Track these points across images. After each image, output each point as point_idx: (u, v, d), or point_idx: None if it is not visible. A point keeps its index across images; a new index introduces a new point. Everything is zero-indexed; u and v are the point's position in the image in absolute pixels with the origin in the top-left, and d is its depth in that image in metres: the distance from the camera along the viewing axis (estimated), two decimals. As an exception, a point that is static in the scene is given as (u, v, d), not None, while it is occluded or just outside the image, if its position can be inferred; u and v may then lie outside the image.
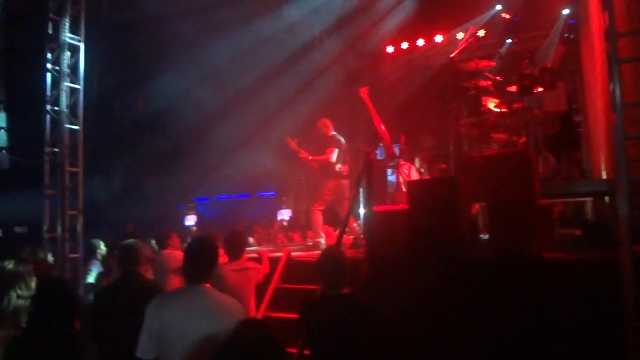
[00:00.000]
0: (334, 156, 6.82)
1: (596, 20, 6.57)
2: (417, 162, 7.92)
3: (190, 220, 17.34)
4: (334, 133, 7.01)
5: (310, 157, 6.91)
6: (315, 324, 3.11)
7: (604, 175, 6.27)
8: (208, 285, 2.89)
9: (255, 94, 10.07)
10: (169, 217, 15.56)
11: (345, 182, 6.92)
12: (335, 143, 6.89)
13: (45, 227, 6.42)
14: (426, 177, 7.56)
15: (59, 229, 6.30)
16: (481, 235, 6.06)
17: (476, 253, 5.09)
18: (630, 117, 4.63)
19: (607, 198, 5.72)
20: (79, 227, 6.45)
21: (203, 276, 2.88)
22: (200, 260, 2.90)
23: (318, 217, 6.84)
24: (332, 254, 3.39)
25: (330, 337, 3.05)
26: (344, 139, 7.01)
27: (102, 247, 5.92)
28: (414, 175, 7.42)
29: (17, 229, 13.11)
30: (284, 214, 15.71)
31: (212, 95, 10.70)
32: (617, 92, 3.90)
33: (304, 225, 11.09)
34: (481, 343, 4.32)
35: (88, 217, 7.00)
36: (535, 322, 4.15)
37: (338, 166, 6.85)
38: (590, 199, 6.76)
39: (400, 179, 7.08)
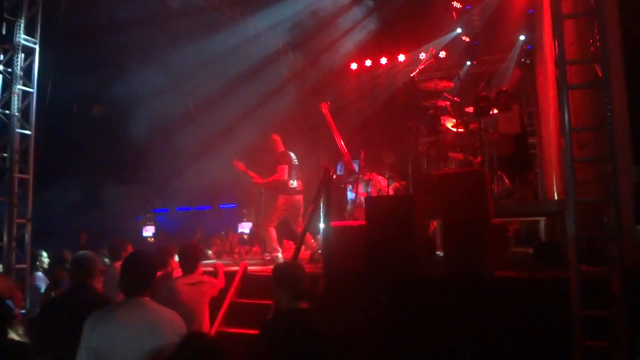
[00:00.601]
0: (284, 173, 6.82)
1: (549, 47, 6.83)
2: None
3: (148, 231, 16.95)
4: (283, 149, 7.03)
5: (262, 181, 6.94)
6: (279, 341, 3.04)
7: (556, 196, 6.49)
8: (147, 298, 2.87)
9: (218, 104, 9.98)
10: (126, 227, 15.14)
11: (299, 198, 6.93)
12: (285, 160, 6.90)
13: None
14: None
15: (5, 238, 6.01)
16: (438, 253, 6.14)
17: (431, 270, 5.16)
18: (579, 141, 4.83)
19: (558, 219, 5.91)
20: (27, 237, 6.16)
21: (141, 289, 2.86)
22: (138, 274, 2.89)
23: (272, 233, 6.82)
24: (292, 266, 3.38)
25: (293, 353, 2.99)
26: (295, 155, 7.05)
27: (44, 258, 5.69)
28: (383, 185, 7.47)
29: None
30: (245, 227, 15.54)
31: (173, 104, 10.55)
32: (566, 117, 4.05)
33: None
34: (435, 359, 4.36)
35: (39, 226, 6.72)
36: (487, 340, 4.22)
37: (292, 182, 6.87)
38: (543, 218, 6.98)
39: (358, 195, 7.14)
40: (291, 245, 7.04)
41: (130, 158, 13.73)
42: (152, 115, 10.52)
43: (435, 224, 7.69)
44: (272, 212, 6.89)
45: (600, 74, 4.07)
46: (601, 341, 3.74)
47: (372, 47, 12.07)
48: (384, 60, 12.27)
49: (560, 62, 4.10)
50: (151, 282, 2.95)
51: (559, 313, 3.92)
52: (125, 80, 9.27)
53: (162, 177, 14.61)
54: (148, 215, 17.42)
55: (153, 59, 8.83)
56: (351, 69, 12.57)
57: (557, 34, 4.14)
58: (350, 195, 7.29)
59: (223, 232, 13.84)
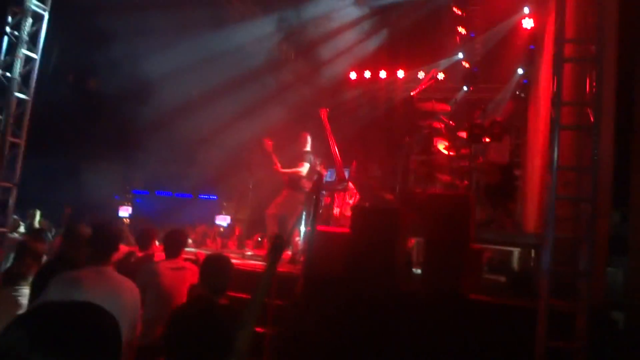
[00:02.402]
0: (304, 170, 7.02)
1: (545, 85, 7.09)
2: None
3: (125, 211, 16.75)
4: (308, 150, 7.20)
5: (281, 170, 7.09)
6: (183, 330, 2.71)
7: (533, 229, 6.72)
8: (110, 267, 3.13)
9: (214, 98, 10.04)
10: (103, 204, 15.00)
11: (300, 197, 7.04)
12: (308, 159, 7.11)
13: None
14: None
15: (-9, 200, 6.01)
16: (414, 269, 6.31)
17: (409, 286, 5.31)
18: (563, 179, 5.05)
19: (532, 251, 6.13)
20: (11, 201, 6.16)
21: (106, 258, 3.11)
22: (105, 243, 3.15)
23: (273, 224, 6.93)
24: (218, 258, 3.37)
25: (191, 345, 2.65)
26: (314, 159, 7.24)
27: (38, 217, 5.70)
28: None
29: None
30: (222, 220, 15.53)
31: (168, 89, 10.56)
32: (555, 156, 4.26)
33: (243, 235, 11.06)
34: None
35: (20, 192, 6.71)
36: (455, 359, 4.38)
37: (304, 182, 7.04)
38: (518, 249, 7.21)
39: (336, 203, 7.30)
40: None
41: (118, 136, 13.66)
42: (148, 97, 10.54)
43: (413, 241, 7.87)
44: (278, 204, 7.04)
45: (592, 118, 4.29)
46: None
47: (373, 59, 12.27)
48: (383, 74, 12.48)
49: (557, 103, 4.31)
50: (113, 253, 3.22)
51: (525, 341, 4.10)
52: (126, 59, 9.28)
53: (146, 159, 14.56)
54: (127, 195, 17.25)
55: (159, 42, 8.86)
56: (350, 79, 12.76)
57: (558, 75, 4.35)
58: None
59: (202, 223, 13.85)
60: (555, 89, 4.34)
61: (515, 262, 7.48)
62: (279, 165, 7.10)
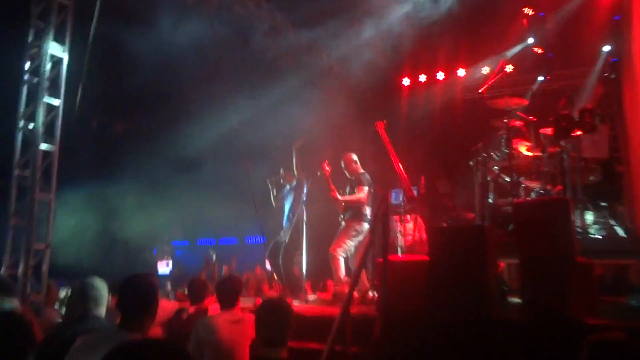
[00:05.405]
0: (366, 197, 6.99)
1: (640, 59, 6.84)
2: None
3: (164, 267, 16.92)
4: (363, 171, 7.22)
5: (339, 198, 7.10)
6: None
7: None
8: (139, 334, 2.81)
9: (253, 121, 10.26)
10: (139, 262, 15.41)
11: (364, 226, 6.99)
12: (367, 182, 7.08)
13: (5, 264, 6.38)
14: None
15: (22, 266, 6.28)
16: (509, 298, 6.10)
17: (505, 314, 5.14)
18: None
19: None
20: (45, 265, 6.43)
21: (136, 322, 2.85)
22: (135, 301, 2.90)
23: (340, 263, 6.87)
24: (275, 304, 3.33)
25: None
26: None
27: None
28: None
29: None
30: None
31: (202, 122, 10.90)
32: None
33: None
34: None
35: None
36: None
37: (366, 208, 7.00)
38: (634, 261, 6.84)
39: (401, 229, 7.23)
40: (340, 283, 7.07)
41: (149, 182, 14.10)
42: (181, 134, 10.91)
43: (503, 265, 7.64)
44: (343, 239, 6.97)
45: None
46: None
47: (427, 61, 12.27)
48: (441, 75, 12.43)
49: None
50: (147, 315, 2.92)
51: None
52: (155, 99, 9.70)
53: (184, 204, 14.92)
54: (165, 247, 17.50)
55: (191, 78, 9.25)
56: (403, 85, 12.78)
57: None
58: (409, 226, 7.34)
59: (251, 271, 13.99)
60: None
61: (634, 278, 7.10)
62: (336, 192, 7.11)
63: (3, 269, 6.37)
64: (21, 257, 6.34)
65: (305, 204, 7.60)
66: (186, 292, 5.83)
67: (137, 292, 2.94)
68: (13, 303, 3.49)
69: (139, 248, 15.95)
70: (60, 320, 6.19)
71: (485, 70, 11.67)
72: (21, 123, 6.60)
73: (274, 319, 3.15)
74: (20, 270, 6.32)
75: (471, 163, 7.60)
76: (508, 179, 6.97)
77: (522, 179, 7.04)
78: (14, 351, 2.37)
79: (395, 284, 5.27)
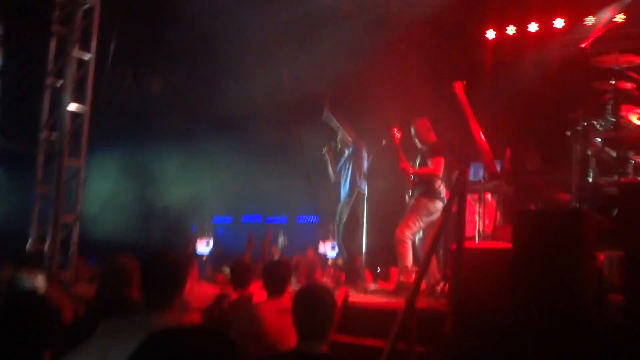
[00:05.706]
0: (441, 169, 6.94)
1: None
2: None
3: (204, 246, 17.25)
4: (437, 139, 7.19)
5: (411, 170, 7.04)
6: None
7: None
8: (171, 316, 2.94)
9: (306, 78, 10.30)
10: (179, 238, 15.79)
11: (438, 206, 6.93)
12: (441, 152, 7.01)
13: (31, 237, 6.66)
14: None
15: (48, 239, 6.55)
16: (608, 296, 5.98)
17: (605, 317, 5.03)
18: None
19: None
20: (75, 237, 6.68)
21: (166, 301, 2.98)
22: (163, 277, 3.00)
23: (407, 248, 6.86)
24: (315, 293, 3.35)
25: None
26: None
27: None
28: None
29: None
30: (328, 248, 15.66)
31: (250, 81, 11.03)
32: None
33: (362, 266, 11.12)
34: None
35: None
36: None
37: (441, 184, 6.95)
38: None
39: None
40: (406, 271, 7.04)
41: (190, 148, 14.37)
42: (224, 96, 11.08)
43: (602, 257, 7.47)
44: (412, 219, 6.94)
45: None
46: None
47: (516, 9, 11.91)
48: (533, 27, 12.05)
49: None
50: (175, 292, 3.05)
51: None
52: (194, 51, 9.85)
53: (227, 174, 15.16)
54: (205, 225, 17.79)
55: (233, 34, 9.39)
56: (486, 39, 12.46)
57: None
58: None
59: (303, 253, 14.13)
60: None
61: None
62: (407, 163, 7.03)
63: (29, 243, 6.64)
64: (48, 230, 6.59)
65: (367, 176, 7.57)
66: (229, 275, 5.95)
67: (164, 267, 3.04)
68: (38, 281, 3.66)
69: (178, 224, 16.37)
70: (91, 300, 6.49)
71: (590, 20, 11.23)
72: (49, 80, 6.80)
73: (312, 309, 3.20)
74: (47, 244, 6.59)
75: (568, 134, 7.38)
76: (614, 154, 6.75)
77: (631, 153, 6.83)
78: (36, 334, 2.48)
79: (471, 276, 5.27)
